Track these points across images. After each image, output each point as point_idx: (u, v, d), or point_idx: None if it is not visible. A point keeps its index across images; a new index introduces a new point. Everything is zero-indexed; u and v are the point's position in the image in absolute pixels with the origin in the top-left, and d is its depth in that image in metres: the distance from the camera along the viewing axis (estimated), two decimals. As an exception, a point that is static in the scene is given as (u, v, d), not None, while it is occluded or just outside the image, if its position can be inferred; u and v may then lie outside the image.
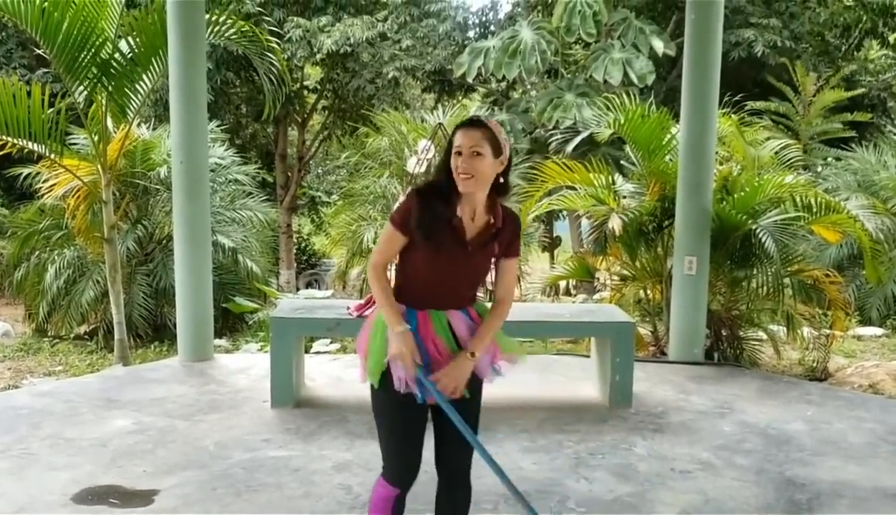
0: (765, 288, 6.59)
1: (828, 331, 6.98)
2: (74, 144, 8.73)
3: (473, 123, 2.64)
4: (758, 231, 6.28)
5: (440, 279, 2.69)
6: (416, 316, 2.66)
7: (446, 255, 2.64)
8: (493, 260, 2.77)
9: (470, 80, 14.71)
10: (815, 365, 6.97)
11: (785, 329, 6.96)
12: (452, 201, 2.62)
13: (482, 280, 2.84)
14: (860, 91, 15.91)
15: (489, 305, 2.84)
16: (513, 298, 2.86)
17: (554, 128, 13.57)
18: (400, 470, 2.81)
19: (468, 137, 2.59)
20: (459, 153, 2.58)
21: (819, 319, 7.06)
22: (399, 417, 2.75)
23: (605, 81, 13.35)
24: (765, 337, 7.03)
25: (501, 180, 2.66)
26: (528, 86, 15.88)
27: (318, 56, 15.74)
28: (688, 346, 6.36)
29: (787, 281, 6.64)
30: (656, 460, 4.22)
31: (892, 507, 3.68)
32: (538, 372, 6.05)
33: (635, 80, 13.12)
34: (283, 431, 4.56)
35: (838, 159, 13.14)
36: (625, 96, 7.31)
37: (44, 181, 8.71)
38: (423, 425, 2.80)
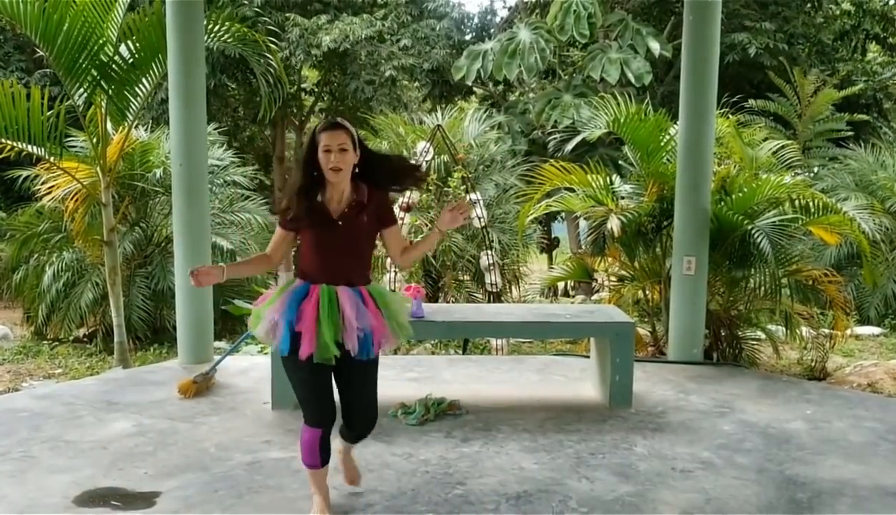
0: (763, 288, 6.61)
1: (827, 331, 7.00)
2: (73, 147, 8.72)
3: (337, 125, 3.19)
4: (755, 231, 6.29)
5: (324, 255, 3.22)
6: (308, 288, 3.21)
7: (321, 234, 3.22)
8: (369, 233, 3.30)
9: (469, 83, 14.73)
10: (813, 364, 6.99)
11: (783, 328, 6.97)
12: (315, 192, 3.21)
13: (362, 254, 3.32)
14: (857, 88, 15.96)
15: (387, 288, 3.41)
16: (408, 257, 3.43)
17: (553, 128, 13.59)
18: (315, 415, 3.32)
19: (335, 137, 3.14)
20: (328, 151, 3.13)
21: (817, 319, 7.08)
22: (304, 373, 3.26)
23: (602, 80, 13.38)
24: (763, 336, 7.05)
25: (357, 170, 3.22)
26: (526, 89, 15.91)
27: (316, 54, 15.73)
28: (687, 346, 6.37)
29: (785, 281, 6.66)
30: (657, 459, 4.23)
31: (892, 505, 3.69)
32: (538, 372, 6.06)
33: (632, 80, 13.16)
34: (284, 432, 4.56)
35: (834, 159, 13.19)
36: (620, 97, 7.32)
37: (42, 183, 8.71)
38: (325, 378, 3.31)
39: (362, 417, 3.42)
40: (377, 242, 3.39)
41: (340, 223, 3.20)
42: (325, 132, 3.15)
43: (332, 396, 3.33)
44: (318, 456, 3.34)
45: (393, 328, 3.30)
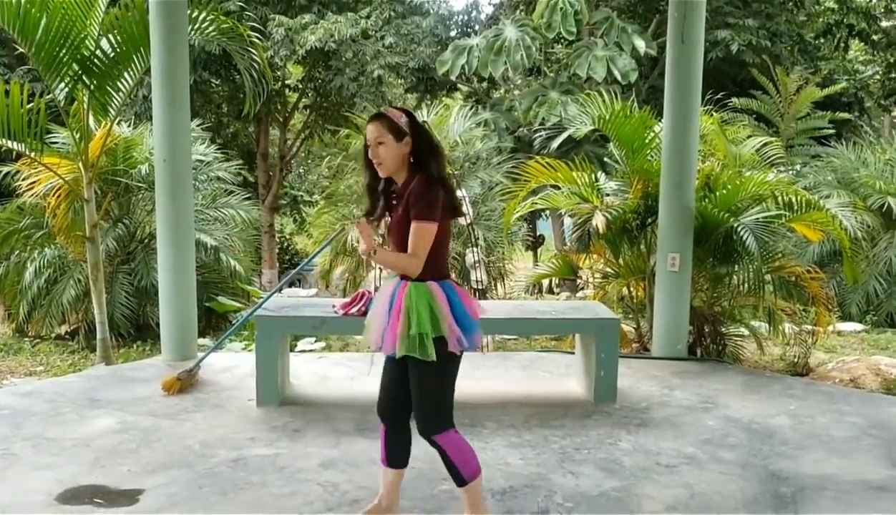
0: (746, 284, 6.65)
1: (809, 327, 7.05)
2: (55, 142, 8.65)
3: (374, 117, 3.07)
4: (739, 228, 6.32)
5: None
6: None
7: (388, 226, 3.18)
8: (405, 228, 3.02)
9: (453, 78, 14.72)
10: (796, 360, 7.03)
11: (767, 325, 7.02)
12: (379, 183, 3.13)
13: (403, 249, 3.07)
14: (839, 86, 16.09)
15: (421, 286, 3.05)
16: (411, 259, 3.00)
17: (539, 125, 13.61)
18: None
19: (371, 131, 3.03)
20: (369, 146, 3.03)
21: (800, 315, 7.13)
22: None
23: (589, 78, 13.42)
24: (747, 332, 7.08)
25: (412, 159, 3.05)
26: (511, 86, 15.92)
27: (301, 53, 15.67)
28: (671, 342, 6.39)
29: (768, 277, 6.70)
30: (641, 454, 4.24)
31: (874, 499, 3.72)
32: (524, 368, 6.07)
33: (619, 77, 13.21)
34: (269, 429, 4.55)
35: (817, 157, 13.30)
36: (606, 94, 7.34)
37: (23, 179, 8.62)
38: (391, 372, 3.20)
39: (414, 416, 3.17)
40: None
41: (388, 216, 3.14)
42: (368, 125, 3.05)
43: (393, 392, 3.20)
44: (382, 449, 3.30)
45: (404, 332, 2.99)
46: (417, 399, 3.12)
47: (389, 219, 3.15)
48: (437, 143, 3.20)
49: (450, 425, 3.13)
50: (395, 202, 3.11)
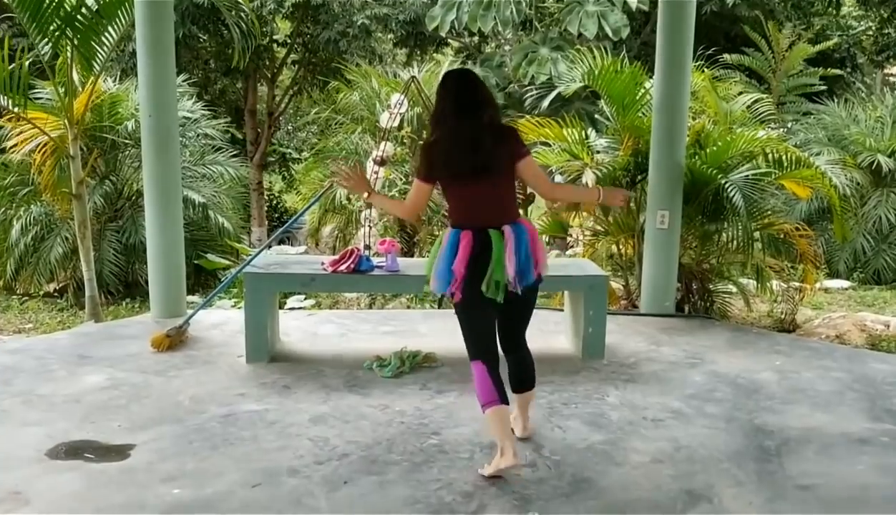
0: (735, 241, 6.67)
1: (797, 284, 7.10)
2: (39, 98, 8.53)
3: None
4: (728, 186, 6.32)
5: None
6: None
7: None
8: None
9: (443, 34, 14.54)
10: (783, 316, 7.09)
11: (754, 282, 7.06)
12: None
13: None
14: (831, 43, 15.98)
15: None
16: (399, 204, 3.93)
17: (529, 83, 13.48)
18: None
19: None
20: None
21: (788, 272, 7.17)
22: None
23: (580, 34, 13.27)
24: (735, 289, 7.12)
25: None
26: (502, 41, 15.73)
27: (288, 5, 15.42)
28: (659, 299, 6.43)
29: (756, 234, 6.72)
30: (628, 409, 4.29)
31: (857, 452, 3.78)
32: (512, 325, 6.08)
33: (610, 34, 13.07)
34: (259, 385, 4.56)
35: (808, 114, 13.27)
36: (597, 50, 7.26)
37: (7, 140, 8.52)
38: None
39: None
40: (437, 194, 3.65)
41: None
42: None
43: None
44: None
45: None
46: None
47: None
48: (436, 107, 3.48)
49: (473, 358, 3.46)
50: None
